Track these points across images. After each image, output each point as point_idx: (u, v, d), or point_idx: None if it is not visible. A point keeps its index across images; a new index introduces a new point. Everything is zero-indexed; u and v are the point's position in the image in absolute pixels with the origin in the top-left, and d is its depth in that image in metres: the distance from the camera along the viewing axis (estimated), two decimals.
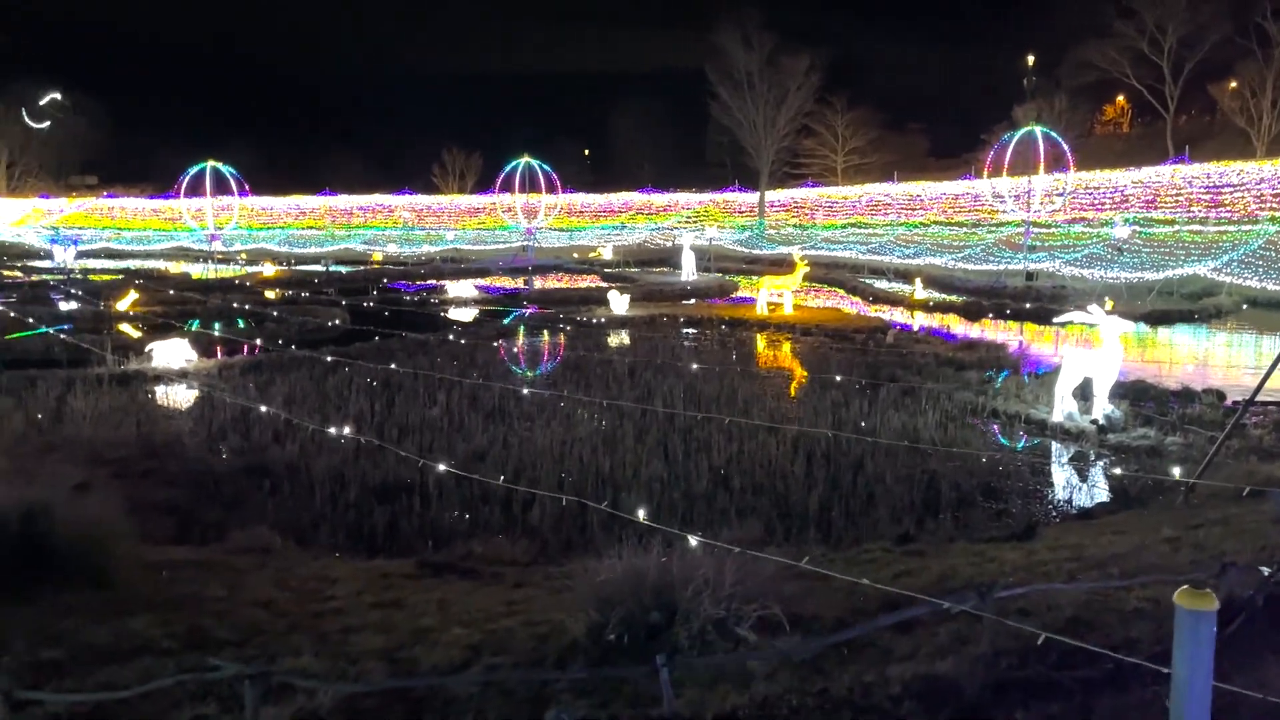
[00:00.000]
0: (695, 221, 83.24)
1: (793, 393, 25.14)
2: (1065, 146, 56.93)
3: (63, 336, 31.08)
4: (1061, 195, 60.86)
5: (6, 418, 21.27)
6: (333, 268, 63.72)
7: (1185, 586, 4.90)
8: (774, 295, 39.08)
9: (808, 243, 68.51)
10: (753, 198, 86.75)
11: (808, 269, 41.67)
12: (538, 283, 56.68)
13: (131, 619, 7.97)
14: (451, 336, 31.78)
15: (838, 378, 24.35)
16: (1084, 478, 17.74)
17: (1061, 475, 17.86)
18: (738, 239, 76.48)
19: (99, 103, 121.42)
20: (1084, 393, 20.55)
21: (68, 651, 7.01)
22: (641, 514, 12.48)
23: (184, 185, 60.79)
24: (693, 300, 45.79)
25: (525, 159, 70.34)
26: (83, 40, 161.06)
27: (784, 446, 18.65)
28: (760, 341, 34.05)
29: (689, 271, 53.30)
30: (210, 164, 59.77)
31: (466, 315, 41.45)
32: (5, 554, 9.04)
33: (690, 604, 7.14)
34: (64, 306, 41.77)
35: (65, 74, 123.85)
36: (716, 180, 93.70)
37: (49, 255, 70.55)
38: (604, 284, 51.12)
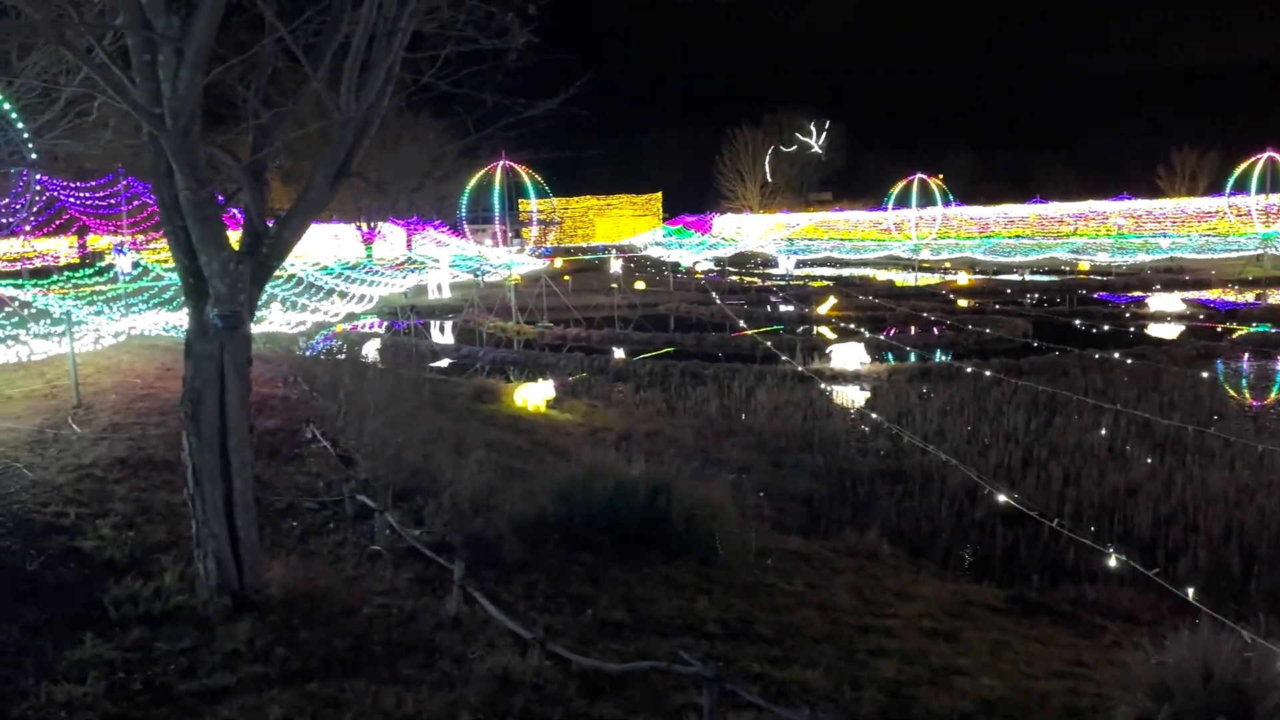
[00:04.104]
0: None
1: None
2: None
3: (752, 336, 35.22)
4: None
5: (707, 403, 24.91)
6: (1029, 277, 61.86)
7: None
8: None
9: None
10: None
11: None
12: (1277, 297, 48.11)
13: (701, 598, 8.81)
14: (1140, 356, 28.65)
15: None
16: None
17: None
18: None
19: (839, 124, 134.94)
20: None
21: (633, 617, 8.04)
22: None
23: (893, 198, 64.16)
24: None
25: (1267, 154, 59.98)
26: (828, 72, 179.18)
27: None
28: None
29: None
30: (918, 177, 62.19)
31: (1167, 332, 37.02)
32: (632, 522, 10.61)
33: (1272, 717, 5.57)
34: (782, 309, 47.20)
35: (814, 102, 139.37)
36: None
37: (777, 263, 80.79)
38: None
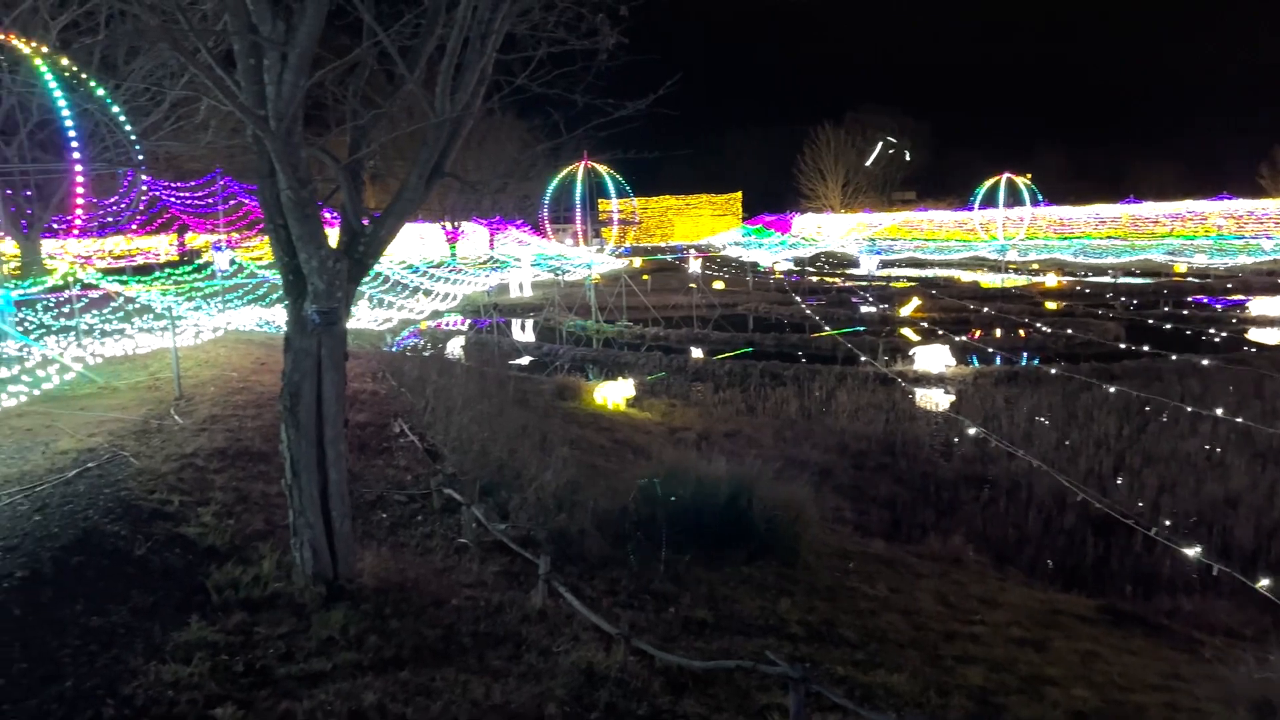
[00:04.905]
0: None
1: None
2: None
3: (839, 338, 34.80)
4: None
5: (786, 404, 24.75)
6: (1121, 279, 59.93)
7: None
8: None
9: None
10: None
11: None
12: None
13: (783, 599, 8.78)
14: (1240, 361, 27.55)
15: None
16: None
17: None
18: None
19: (922, 123, 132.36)
20: None
21: (716, 616, 8.05)
22: None
23: (979, 198, 62.69)
24: None
25: None
26: (913, 68, 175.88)
27: None
28: None
29: None
30: (1005, 176, 60.67)
31: (1270, 337, 35.54)
32: (713, 522, 10.62)
33: None
34: (863, 310, 46.55)
35: (897, 100, 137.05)
36: None
37: (858, 263, 79.76)
38: None
